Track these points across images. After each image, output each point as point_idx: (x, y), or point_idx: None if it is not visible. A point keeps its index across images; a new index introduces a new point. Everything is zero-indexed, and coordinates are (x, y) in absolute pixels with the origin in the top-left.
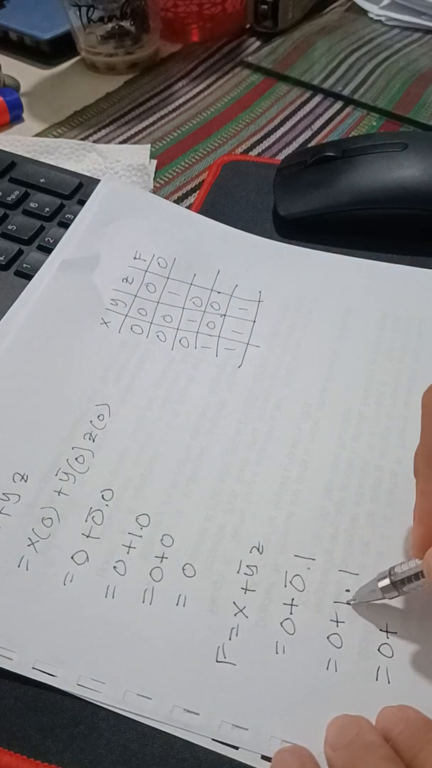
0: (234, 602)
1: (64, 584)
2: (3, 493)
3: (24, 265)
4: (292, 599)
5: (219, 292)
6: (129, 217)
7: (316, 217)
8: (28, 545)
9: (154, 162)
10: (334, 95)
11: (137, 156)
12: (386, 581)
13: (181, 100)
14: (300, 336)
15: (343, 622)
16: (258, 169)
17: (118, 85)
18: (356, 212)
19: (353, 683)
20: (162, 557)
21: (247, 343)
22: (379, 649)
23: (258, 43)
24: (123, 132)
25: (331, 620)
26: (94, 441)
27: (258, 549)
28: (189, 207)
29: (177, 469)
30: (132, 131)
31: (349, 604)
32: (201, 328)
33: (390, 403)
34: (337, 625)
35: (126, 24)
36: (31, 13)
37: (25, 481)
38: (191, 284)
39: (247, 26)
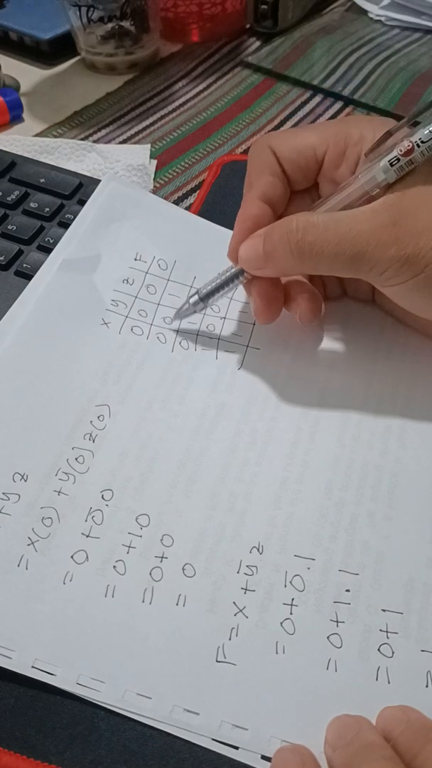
0: (234, 602)
1: (64, 583)
2: (3, 493)
3: (24, 265)
4: (292, 599)
5: None
6: (130, 218)
7: None
8: (28, 545)
9: (154, 162)
10: (334, 95)
11: (137, 156)
12: (195, 297)
13: (181, 100)
14: (300, 337)
15: (343, 622)
16: None
17: (118, 85)
18: None
19: (353, 683)
20: (162, 557)
21: (247, 346)
22: (379, 649)
23: (258, 43)
24: (123, 132)
25: (331, 620)
26: (94, 441)
27: (258, 549)
28: (189, 207)
29: (177, 469)
30: (132, 131)
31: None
32: (201, 330)
33: (390, 403)
34: (337, 625)
35: (126, 24)
36: (31, 13)
37: (25, 481)
38: (191, 287)
39: (247, 26)
